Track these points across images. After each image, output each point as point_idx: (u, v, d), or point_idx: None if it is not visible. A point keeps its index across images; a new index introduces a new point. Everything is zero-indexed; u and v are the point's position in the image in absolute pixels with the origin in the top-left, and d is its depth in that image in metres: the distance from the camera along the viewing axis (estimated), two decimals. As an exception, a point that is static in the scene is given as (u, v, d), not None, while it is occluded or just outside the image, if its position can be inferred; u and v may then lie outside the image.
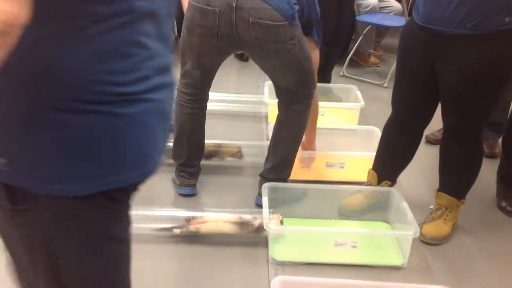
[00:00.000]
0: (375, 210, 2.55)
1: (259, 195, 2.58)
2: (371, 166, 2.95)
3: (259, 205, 2.54)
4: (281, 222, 2.30)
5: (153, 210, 2.38)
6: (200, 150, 2.68)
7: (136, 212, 2.24)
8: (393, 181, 2.61)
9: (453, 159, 2.40)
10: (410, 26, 2.29)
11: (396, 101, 2.47)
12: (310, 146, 2.90)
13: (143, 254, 2.24)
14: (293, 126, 2.55)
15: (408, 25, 2.35)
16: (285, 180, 2.61)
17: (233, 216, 2.34)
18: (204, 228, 2.31)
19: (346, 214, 2.56)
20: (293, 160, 2.61)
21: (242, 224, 2.30)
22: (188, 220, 2.32)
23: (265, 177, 2.59)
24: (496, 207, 2.78)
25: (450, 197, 2.43)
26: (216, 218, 2.34)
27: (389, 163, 2.60)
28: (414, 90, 2.35)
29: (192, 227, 2.31)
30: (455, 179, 2.46)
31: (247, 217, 2.32)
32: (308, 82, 2.46)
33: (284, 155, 2.57)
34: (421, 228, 2.37)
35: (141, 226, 2.30)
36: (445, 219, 2.43)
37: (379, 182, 2.58)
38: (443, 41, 2.14)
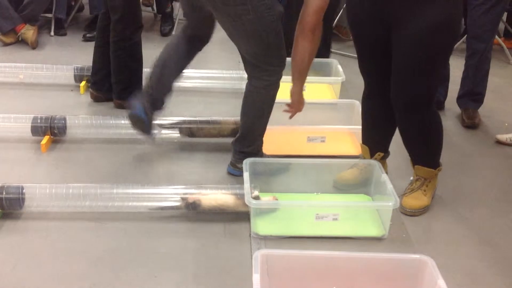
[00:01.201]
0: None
1: (231, 164, 2.67)
2: (352, 140, 2.98)
3: (231, 174, 2.66)
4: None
5: (145, 188, 2.38)
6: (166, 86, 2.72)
7: (128, 190, 2.29)
8: (385, 151, 2.61)
9: (413, 131, 2.40)
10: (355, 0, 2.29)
11: (363, 73, 2.48)
12: (295, 97, 2.57)
13: (128, 232, 2.26)
14: (253, 103, 2.57)
15: None
16: (250, 154, 2.61)
17: (229, 191, 2.36)
18: (205, 200, 2.31)
19: (340, 187, 2.58)
20: (257, 137, 2.63)
21: (240, 197, 2.31)
22: (184, 198, 2.32)
23: (233, 146, 2.67)
24: (475, 177, 2.81)
25: (427, 169, 2.45)
26: (214, 192, 2.35)
27: (375, 133, 2.61)
28: (376, 61, 2.36)
29: (194, 198, 2.31)
30: (423, 150, 2.48)
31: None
32: (271, 57, 2.46)
33: (245, 129, 2.62)
34: (401, 200, 2.40)
35: (133, 204, 2.32)
36: (424, 190, 2.46)
37: (372, 155, 2.58)
38: (389, 7, 2.16)
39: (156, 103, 2.70)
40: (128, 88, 3.24)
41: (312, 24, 2.33)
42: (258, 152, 2.67)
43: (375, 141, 2.60)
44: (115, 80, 3.32)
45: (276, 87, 2.55)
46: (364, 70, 2.47)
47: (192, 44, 2.72)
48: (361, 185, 2.57)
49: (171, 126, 2.93)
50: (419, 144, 2.46)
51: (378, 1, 2.19)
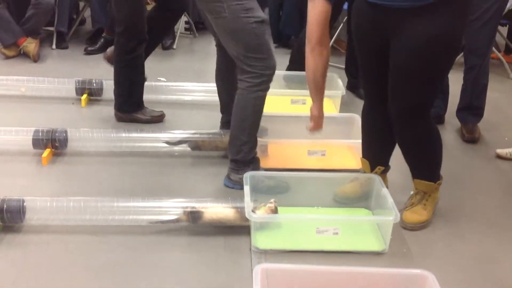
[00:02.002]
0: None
1: (226, 175, 2.70)
2: (352, 154, 2.98)
3: (227, 186, 2.68)
4: (275, 209, 2.32)
5: (146, 201, 2.38)
6: None
7: (128, 204, 2.29)
8: (385, 165, 2.60)
9: (410, 142, 2.39)
10: (360, 6, 2.28)
11: (365, 83, 2.49)
12: (315, 112, 2.57)
13: (129, 245, 2.26)
14: (237, 106, 2.60)
15: (357, 6, 2.31)
16: (242, 163, 2.64)
17: (231, 205, 2.35)
18: (207, 212, 2.31)
19: (340, 201, 2.58)
20: (243, 144, 2.63)
21: (240, 211, 2.30)
22: (185, 212, 2.32)
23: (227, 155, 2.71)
24: (475, 192, 2.81)
25: (427, 182, 2.44)
26: (214, 205, 2.35)
27: (375, 147, 2.61)
28: (378, 72, 2.35)
29: (195, 212, 2.31)
30: (421, 163, 2.46)
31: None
32: (252, 59, 2.50)
33: (231, 133, 2.66)
34: (401, 215, 2.40)
35: (133, 218, 2.33)
36: (424, 204, 2.45)
37: (372, 169, 2.58)
38: (389, 17, 2.15)
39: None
40: (129, 101, 3.25)
41: (317, 35, 2.31)
42: (252, 161, 2.68)
43: (375, 155, 2.60)
44: (117, 92, 3.33)
45: (258, 90, 2.55)
46: (366, 80, 2.48)
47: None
48: (361, 199, 2.57)
49: (179, 141, 2.94)
50: (417, 156, 2.44)
51: (378, 10, 2.18)
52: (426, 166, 2.48)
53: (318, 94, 2.50)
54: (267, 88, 2.59)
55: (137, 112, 3.33)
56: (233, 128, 2.65)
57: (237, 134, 2.64)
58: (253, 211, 2.26)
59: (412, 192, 2.55)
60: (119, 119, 3.32)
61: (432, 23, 2.09)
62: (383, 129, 2.50)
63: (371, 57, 2.35)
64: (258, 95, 2.57)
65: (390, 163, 2.63)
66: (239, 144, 2.64)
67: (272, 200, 2.33)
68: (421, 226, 2.44)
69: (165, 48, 4.87)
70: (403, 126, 2.35)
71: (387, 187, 2.51)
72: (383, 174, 2.59)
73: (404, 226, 2.43)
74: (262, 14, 2.51)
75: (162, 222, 2.33)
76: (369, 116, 2.54)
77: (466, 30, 2.27)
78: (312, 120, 2.58)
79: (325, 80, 2.46)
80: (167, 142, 2.93)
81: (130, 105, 3.31)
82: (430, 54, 2.14)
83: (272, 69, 2.56)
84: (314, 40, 2.32)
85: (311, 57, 2.36)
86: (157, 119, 3.37)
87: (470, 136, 3.35)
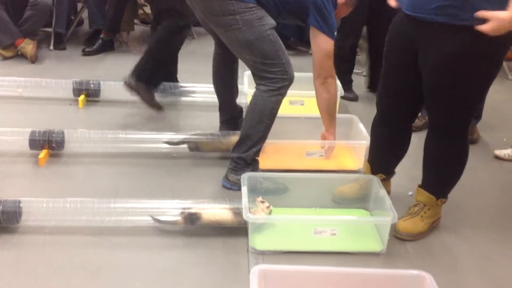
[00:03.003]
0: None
1: (224, 176, 2.69)
2: (350, 155, 2.98)
3: (224, 187, 2.68)
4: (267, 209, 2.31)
5: (143, 202, 2.38)
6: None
7: (125, 205, 2.28)
8: (387, 174, 2.58)
9: (436, 157, 2.34)
10: (397, 19, 2.24)
11: (382, 99, 2.42)
12: (326, 135, 2.84)
13: (126, 246, 2.25)
14: (255, 107, 2.61)
15: (395, 19, 2.27)
16: (245, 161, 2.64)
17: (228, 206, 2.34)
18: (205, 214, 2.30)
19: (338, 201, 2.57)
20: (254, 143, 2.63)
21: (238, 213, 2.29)
22: (183, 213, 2.31)
23: (231, 154, 2.69)
24: (473, 193, 2.81)
25: (429, 195, 2.38)
26: (212, 207, 2.35)
27: (380, 157, 2.59)
28: (399, 85, 2.30)
29: (192, 213, 2.30)
30: (436, 177, 2.40)
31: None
32: (270, 65, 2.51)
33: (243, 134, 2.65)
34: (397, 224, 2.36)
35: (130, 219, 2.32)
36: (422, 216, 2.39)
37: (373, 175, 2.56)
38: (422, 30, 2.08)
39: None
40: (151, 75, 3.35)
41: (327, 70, 2.58)
42: (252, 162, 2.67)
43: (379, 164, 2.58)
44: (144, 64, 3.35)
45: (278, 94, 2.57)
46: (384, 96, 2.41)
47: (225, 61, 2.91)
48: (360, 200, 2.56)
49: (180, 141, 2.93)
50: (436, 171, 2.37)
51: (407, 22, 2.13)
52: (442, 181, 2.41)
53: (333, 120, 2.78)
54: (286, 93, 2.61)
55: (147, 90, 3.36)
56: (247, 127, 2.64)
57: (251, 134, 2.63)
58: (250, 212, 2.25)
59: (410, 193, 2.54)
60: (128, 85, 3.32)
61: (463, 42, 1.99)
62: (391, 141, 2.49)
63: (396, 69, 2.29)
64: (278, 99, 2.59)
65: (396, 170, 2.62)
66: (250, 144, 2.64)
67: (259, 199, 2.33)
68: (414, 236, 2.38)
69: None
70: (435, 140, 2.30)
71: (389, 192, 2.49)
72: (385, 181, 2.57)
73: (397, 235, 2.38)
74: (273, 20, 2.52)
75: (160, 221, 2.32)
76: (379, 129, 2.50)
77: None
78: (327, 148, 2.79)
79: (332, 112, 2.75)
80: (168, 142, 2.92)
81: (149, 80, 3.35)
82: (456, 70, 2.07)
83: (291, 74, 2.57)
84: (325, 75, 2.61)
85: (324, 90, 2.64)
86: (156, 107, 3.42)
87: (469, 137, 3.33)
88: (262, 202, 2.32)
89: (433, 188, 2.39)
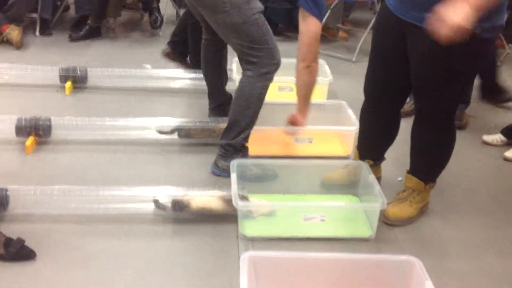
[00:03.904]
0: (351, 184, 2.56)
1: (214, 162, 2.68)
2: (339, 140, 2.97)
3: (214, 173, 2.67)
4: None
5: (132, 190, 2.36)
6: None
7: (114, 192, 2.27)
8: (376, 160, 2.59)
9: (423, 144, 2.36)
10: (383, 9, 2.23)
11: (369, 85, 2.42)
12: (299, 118, 2.80)
13: (115, 234, 2.24)
14: (242, 93, 2.60)
15: (383, 4, 2.25)
16: (234, 148, 2.63)
17: (218, 193, 2.34)
18: (194, 202, 2.29)
19: (327, 187, 2.57)
20: (242, 130, 2.62)
21: (228, 201, 2.28)
22: (172, 200, 2.30)
23: (220, 141, 2.69)
24: (462, 178, 2.82)
25: (418, 180, 2.40)
26: (202, 194, 2.34)
27: (369, 143, 2.59)
28: (387, 71, 2.30)
29: (182, 200, 2.29)
30: (424, 163, 2.42)
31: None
32: (257, 49, 2.50)
33: (231, 120, 2.64)
34: (386, 209, 2.36)
35: (119, 206, 2.31)
36: (411, 202, 2.41)
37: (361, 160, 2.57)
38: (405, 19, 2.09)
39: None
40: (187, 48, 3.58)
41: (313, 54, 2.55)
42: (241, 148, 2.66)
43: (367, 150, 2.59)
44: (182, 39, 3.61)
45: (265, 79, 2.56)
46: (371, 84, 2.41)
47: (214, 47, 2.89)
48: (348, 186, 2.56)
49: (172, 130, 2.91)
50: (424, 157, 2.40)
51: (396, 9, 2.13)
52: (430, 166, 2.43)
53: (308, 105, 2.75)
54: (273, 78, 2.59)
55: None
56: (234, 113, 2.63)
57: (239, 120, 2.62)
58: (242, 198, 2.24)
59: (399, 179, 2.54)
60: (166, 54, 3.69)
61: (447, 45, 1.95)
62: (379, 128, 2.50)
63: (384, 55, 2.28)
64: (265, 84, 2.58)
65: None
66: (238, 130, 2.63)
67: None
68: (403, 221, 2.39)
69: (155, 27, 4.87)
70: (422, 128, 2.31)
71: (379, 178, 2.50)
72: (374, 167, 2.56)
73: (386, 220, 2.38)
74: (261, 4, 2.50)
75: (149, 210, 2.30)
76: (367, 115, 2.50)
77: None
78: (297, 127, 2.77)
79: (309, 95, 2.73)
80: (160, 132, 2.89)
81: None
82: (446, 61, 2.06)
83: (278, 59, 2.56)
84: (310, 59, 2.57)
85: (307, 74, 2.61)
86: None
87: (458, 123, 3.32)
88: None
89: (421, 173, 2.40)
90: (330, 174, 2.59)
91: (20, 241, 2.05)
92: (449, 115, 2.28)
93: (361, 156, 2.58)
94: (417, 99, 2.29)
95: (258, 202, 2.35)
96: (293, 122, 2.81)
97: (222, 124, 2.84)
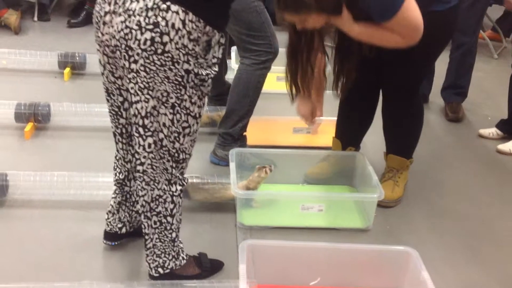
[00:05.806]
0: (341, 175, 2.58)
1: (212, 151, 2.70)
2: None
3: (212, 162, 2.68)
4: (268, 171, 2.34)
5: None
6: None
7: (109, 179, 2.28)
8: (356, 147, 2.63)
9: (395, 120, 2.44)
10: None
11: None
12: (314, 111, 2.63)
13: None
14: (239, 81, 2.60)
15: None
16: (232, 137, 2.64)
17: (216, 181, 2.34)
18: (192, 189, 2.30)
19: (311, 182, 2.58)
20: (240, 118, 2.63)
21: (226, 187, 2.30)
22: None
23: (218, 130, 2.69)
24: (458, 170, 2.84)
25: (400, 158, 2.48)
26: (200, 182, 2.34)
27: (349, 129, 2.62)
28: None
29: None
30: (400, 140, 2.51)
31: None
32: (255, 37, 2.51)
33: (229, 109, 2.65)
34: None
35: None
36: (397, 181, 2.48)
37: (343, 149, 2.60)
38: None
39: None
40: None
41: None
42: (239, 137, 2.68)
43: (349, 136, 2.61)
44: None
45: (263, 68, 2.57)
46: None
47: None
48: (333, 178, 2.57)
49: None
50: (401, 133, 2.48)
51: None
52: (406, 142, 2.51)
53: (321, 95, 2.56)
54: (270, 66, 2.60)
55: None
56: (232, 102, 2.63)
57: (236, 108, 2.63)
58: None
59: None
60: None
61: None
62: (358, 112, 2.53)
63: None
64: (263, 72, 2.58)
65: (368, 142, 2.65)
66: (236, 119, 2.63)
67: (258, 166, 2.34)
68: (395, 202, 2.46)
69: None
70: (391, 104, 2.37)
71: None
72: None
73: (380, 203, 2.38)
74: None
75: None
76: (346, 101, 2.50)
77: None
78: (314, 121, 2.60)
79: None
80: None
81: None
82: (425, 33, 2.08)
83: (276, 47, 2.56)
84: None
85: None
86: None
87: (454, 115, 3.38)
88: (260, 168, 2.33)
89: (401, 151, 2.49)
90: (312, 168, 2.60)
91: (203, 254, 2.03)
92: (415, 88, 2.38)
93: (343, 145, 2.60)
94: (385, 75, 2.33)
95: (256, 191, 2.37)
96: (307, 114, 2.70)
97: (220, 113, 2.85)
